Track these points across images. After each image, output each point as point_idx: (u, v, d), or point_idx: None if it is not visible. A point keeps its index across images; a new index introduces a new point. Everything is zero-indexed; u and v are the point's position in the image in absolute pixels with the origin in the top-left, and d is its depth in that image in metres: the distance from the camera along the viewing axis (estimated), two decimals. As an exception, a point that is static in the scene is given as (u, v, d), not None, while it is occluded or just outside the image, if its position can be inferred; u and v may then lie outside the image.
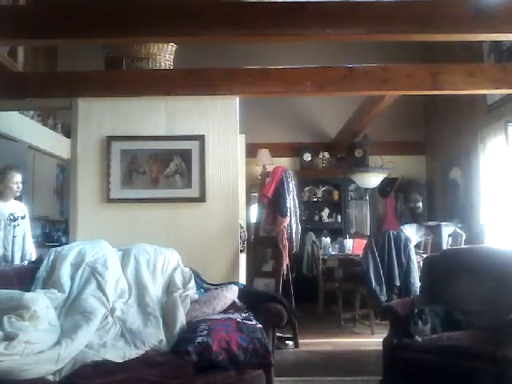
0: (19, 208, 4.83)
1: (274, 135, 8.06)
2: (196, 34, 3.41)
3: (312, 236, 6.80)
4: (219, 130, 4.58)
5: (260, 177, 6.57)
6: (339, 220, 8.12)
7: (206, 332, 2.70)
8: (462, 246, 5.80)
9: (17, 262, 4.56)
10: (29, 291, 2.93)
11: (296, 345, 4.86)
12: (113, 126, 4.56)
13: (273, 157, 7.84)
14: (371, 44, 6.65)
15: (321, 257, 6.29)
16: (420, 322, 3.15)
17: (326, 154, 8.25)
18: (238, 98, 4.61)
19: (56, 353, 2.44)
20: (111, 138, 4.53)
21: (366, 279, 5.26)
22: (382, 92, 5.12)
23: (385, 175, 7.01)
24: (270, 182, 5.00)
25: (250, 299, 3.33)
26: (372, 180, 6.97)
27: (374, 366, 3.66)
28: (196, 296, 3.25)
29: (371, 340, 5.06)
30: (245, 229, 5.78)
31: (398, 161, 7.60)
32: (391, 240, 5.35)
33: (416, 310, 3.21)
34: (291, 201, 4.97)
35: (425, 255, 5.53)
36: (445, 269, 3.71)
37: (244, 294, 3.41)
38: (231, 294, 3.28)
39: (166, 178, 4.54)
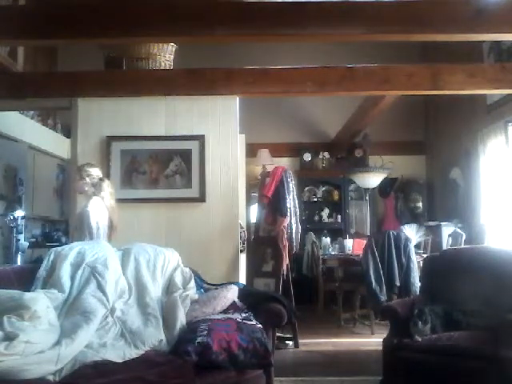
0: None
1: (274, 135, 8.06)
2: (196, 34, 3.42)
3: (312, 236, 6.80)
4: (219, 130, 4.59)
5: (260, 177, 6.57)
6: (339, 220, 8.13)
7: (205, 332, 2.70)
8: (462, 246, 5.80)
9: None
10: (29, 291, 2.92)
11: (296, 345, 4.86)
12: (113, 126, 4.57)
13: (273, 157, 7.84)
14: (371, 44, 6.65)
15: (321, 257, 6.29)
16: (420, 322, 3.15)
17: (326, 154, 8.25)
18: (237, 98, 4.62)
19: (56, 353, 2.44)
20: (111, 138, 4.54)
21: (366, 279, 5.26)
22: (382, 92, 5.12)
23: (385, 175, 7.01)
24: (270, 182, 5.01)
25: (250, 299, 3.32)
26: (372, 180, 6.97)
27: (374, 366, 3.65)
28: (196, 296, 3.24)
29: (371, 340, 5.06)
30: (245, 229, 5.77)
31: (398, 161, 7.60)
32: (391, 240, 5.35)
33: (416, 310, 3.21)
34: (291, 201, 4.97)
35: (425, 255, 5.53)
36: (445, 269, 3.71)
37: (244, 294, 3.41)
38: (231, 294, 3.27)
39: (166, 178, 4.55)
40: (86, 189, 3.94)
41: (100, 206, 3.89)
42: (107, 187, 4.00)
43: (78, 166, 4.21)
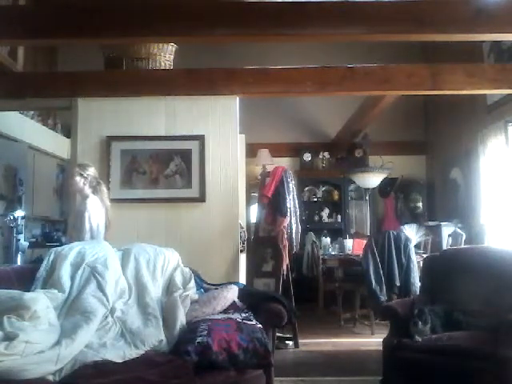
0: None
1: (274, 135, 8.06)
2: (196, 34, 3.42)
3: (312, 236, 6.80)
4: (219, 130, 4.59)
5: (260, 177, 6.57)
6: (339, 220, 8.13)
7: (206, 332, 2.70)
8: (462, 245, 5.79)
9: None
10: (29, 291, 2.93)
11: (296, 345, 4.86)
12: (113, 126, 4.57)
13: (273, 157, 7.84)
14: (371, 44, 6.65)
15: (321, 257, 6.29)
16: (420, 323, 3.15)
17: (326, 154, 8.25)
18: (237, 98, 4.62)
19: (56, 353, 2.44)
20: (111, 138, 4.54)
21: (366, 279, 5.26)
22: (381, 92, 5.13)
23: (385, 175, 7.00)
24: (269, 182, 5.00)
25: (250, 299, 3.32)
26: (372, 180, 6.97)
27: (373, 366, 3.66)
28: (196, 296, 3.25)
29: (371, 340, 5.05)
30: (245, 229, 5.77)
31: (398, 161, 7.59)
32: (391, 240, 5.35)
33: (416, 310, 3.21)
34: (291, 201, 4.97)
35: (425, 255, 5.53)
36: (445, 269, 3.71)
37: (244, 294, 3.41)
38: (231, 294, 3.27)
39: (165, 178, 4.55)
40: (83, 187, 3.95)
41: (98, 205, 3.91)
42: (104, 187, 4.02)
43: (75, 165, 4.23)
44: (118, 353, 2.61)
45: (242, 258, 5.12)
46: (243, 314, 3.07)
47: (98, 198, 3.94)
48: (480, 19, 3.25)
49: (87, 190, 3.94)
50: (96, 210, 3.88)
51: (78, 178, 3.93)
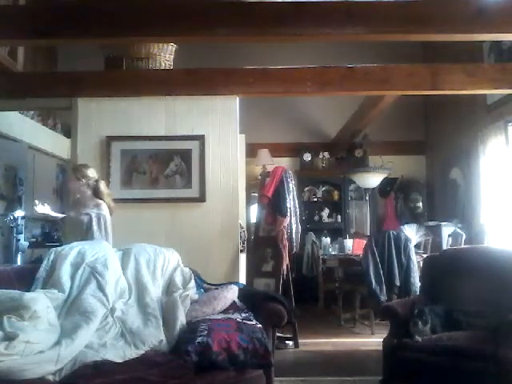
0: None
1: (274, 135, 8.06)
2: (196, 34, 3.42)
3: (312, 236, 6.80)
4: (219, 130, 4.59)
5: (260, 177, 6.57)
6: (339, 220, 8.13)
7: (206, 332, 2.70)
8: (462, 245, 5.79)
9: None
10: (29, 291, 2.93)
11: (296, 345, 4.86)
12: (113, 126, 4.57)
13: (273, 157, 7.84)
14: (371, 44, 6.65)
15: (321, 257, 6.29)
16: (420, 323, 3.15)
17: (326, 154, 8.25)
18: (237, 98, 4.62)
19: (56, 353, 2.44)
20: (111, 138, 4.54)
21: (366, 279, 5.26)
22: (381, 92, 5.13)
23: (385, 175, 7.01)
24: (269, 182, 5.01)
25: (250, 299, 3.32)
26: (372, 180, 6.97)
27: (373, 366, 3.66)
28: (196, 296, 3.25)
29: (371, 340, 5.05)
30: (245, 229, 5.77)
31: (398, 161, 7.60)
32: (391, 240, 5.35)
33: (416, 310, 3.21)
34: (291, 201, 4.97)
35: (425, 255, 5.53)
36: (445, 269, 3.71)
37: (244, 293, 3.41)
38: (231, 294, 3.27)
39: (165, 178, 4.55)
40: (83, 190, 3.95)
41: (107, 209, 3.93)
42: (104, 188, 4.01)
43: (73, 167, 4.22)
44: (118, 353, 2.61)
45: (242, 258, 5.12)
46: (243, 314, 3.07)
47: (105, 203, 3.94)
48: (480, 19, 3.25)
49: (87, 192, 3.94)
50: (108, 214, 3.91)
51: (76, 181, 3.93)
